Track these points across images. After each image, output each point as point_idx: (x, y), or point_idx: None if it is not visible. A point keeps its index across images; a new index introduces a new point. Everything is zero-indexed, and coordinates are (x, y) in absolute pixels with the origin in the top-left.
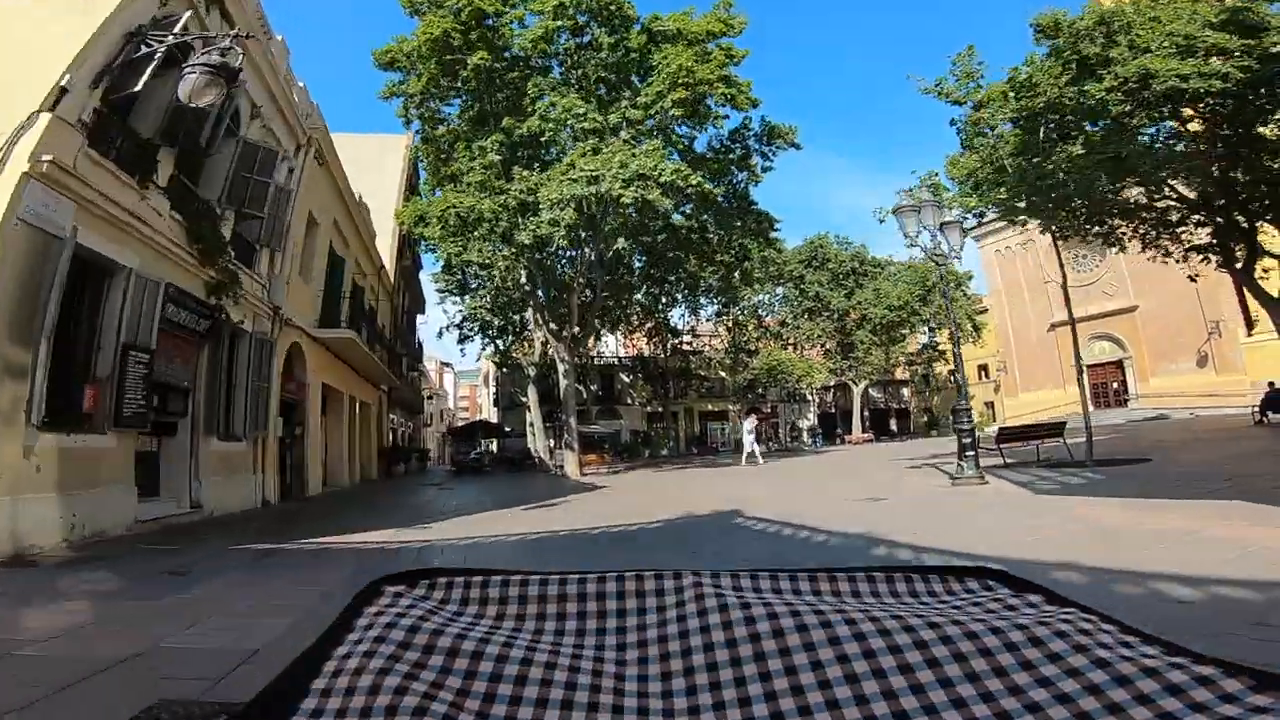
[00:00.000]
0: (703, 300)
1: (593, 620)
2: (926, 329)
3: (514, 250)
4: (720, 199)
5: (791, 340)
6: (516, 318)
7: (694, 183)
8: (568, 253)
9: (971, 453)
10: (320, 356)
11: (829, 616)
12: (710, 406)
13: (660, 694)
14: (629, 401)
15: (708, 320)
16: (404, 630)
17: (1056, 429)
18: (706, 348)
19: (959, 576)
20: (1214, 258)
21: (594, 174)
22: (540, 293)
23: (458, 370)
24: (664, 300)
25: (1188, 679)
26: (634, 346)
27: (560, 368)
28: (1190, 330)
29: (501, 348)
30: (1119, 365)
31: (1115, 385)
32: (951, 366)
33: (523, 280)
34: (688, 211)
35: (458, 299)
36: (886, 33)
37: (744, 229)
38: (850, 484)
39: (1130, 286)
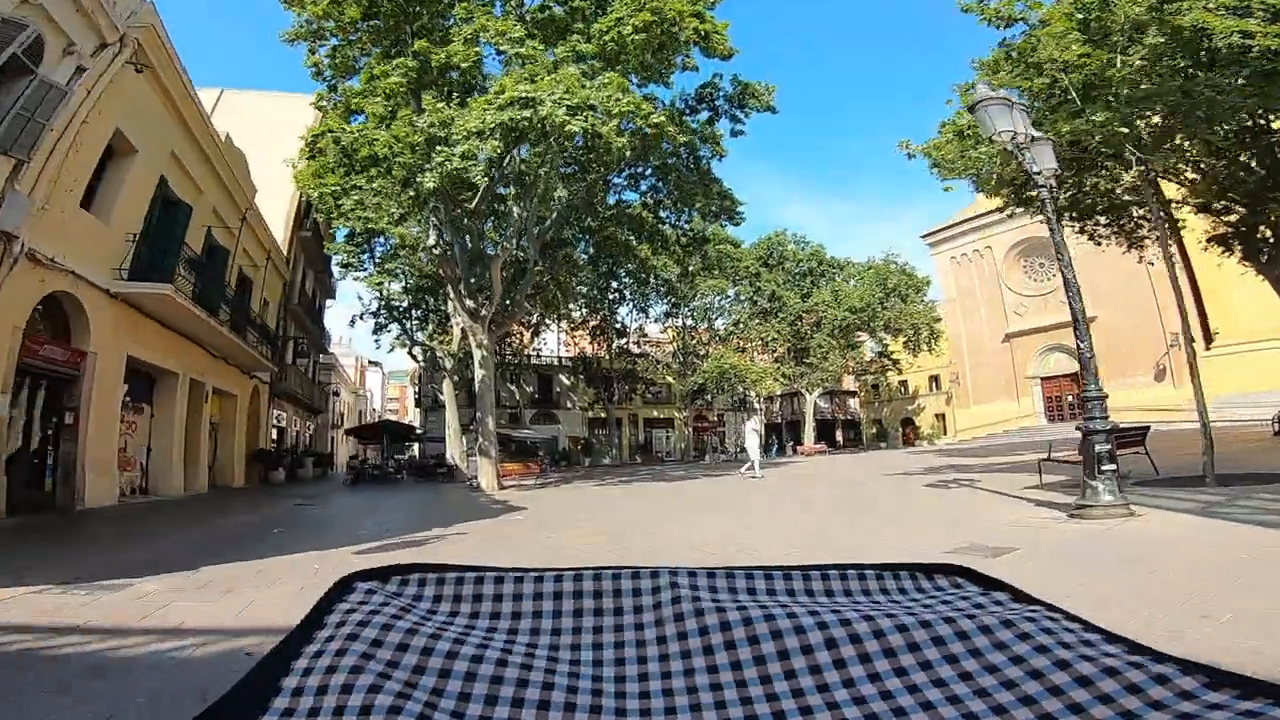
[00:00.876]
0: (652, 299)
1: (569, 619)
2: (876, 339)
3: (415, 196)
4: (683, 154)
5: (743, 344)
6: (431, 299)
7: (656, 122)
8: (489, 213)
9: (1110, 467)
10: (125, 320)
11: (802, 621)
12: (656, 413)
13: (638, 694)
14: (568, 405)
15: (656, 321)
16: (377, 628)
17: (1138, 436)
18: (653, 349)
19: (928, 574)
20: (1237, 248)
21: (528, 97)
22: (456, 258)
23: (389, 371)
24: (611, 295)
25: (1146, 678)
26: (576, 346)
27: (477, 355)
28: (1148, 342)
29: (414, 335)
30: (1074, 378)
31: (1070, 398)
32: (902, 377)
33: (431, 243)
34: (645, 183)
35: (360, 273)
36: (832, 50)
37: (705, 207)
38: (902, 517)
39: (1088, 295)
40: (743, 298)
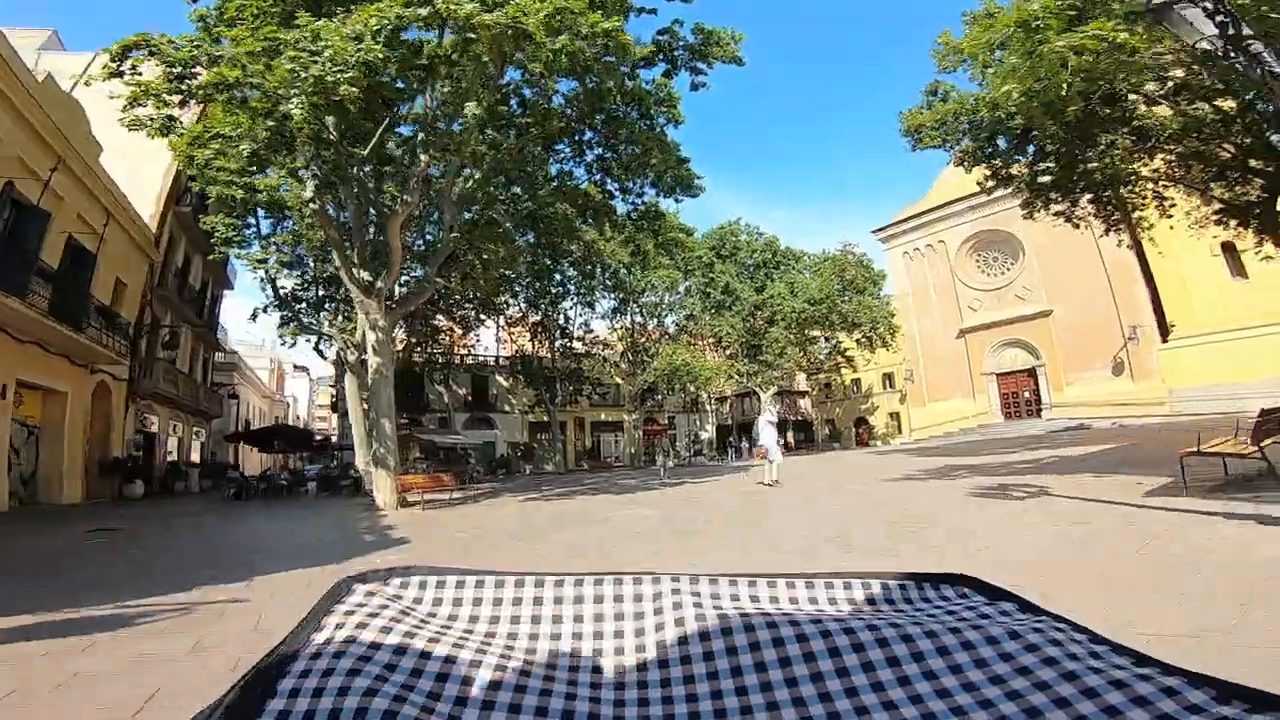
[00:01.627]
0: (599, 293)
1: (570, 624)
2: (833, 334)
3: (279, 131)
4: (635, 115)
5: (694, 342)
6: (321, 276)
7: (606, 29)
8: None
9: None
10: None
11: (804, 628)
12: (603, 416)
13: (637, 700)
14: (507, 409)
15: (603, 318)
16: (375, 631)
17: None
18: (601, 349)
19: (934, 583)
20: (1253, 222)
21: None
22: (350, 218)
23: (318, 377)
24: (554, 289)
25: (1154, 690)
26: (515, 345)
27: (370, 338)
28: (1106, 336)
29: (317, 326)
30: (1031, 373)
31: (1027, 394)
32: (855, 375)
33: (308, 195)
34: (592, 153)
35: (243, 251)
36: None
37: (660, 172)
38: (1051, 564)
39: (1044, 290)
40: (694, 291)
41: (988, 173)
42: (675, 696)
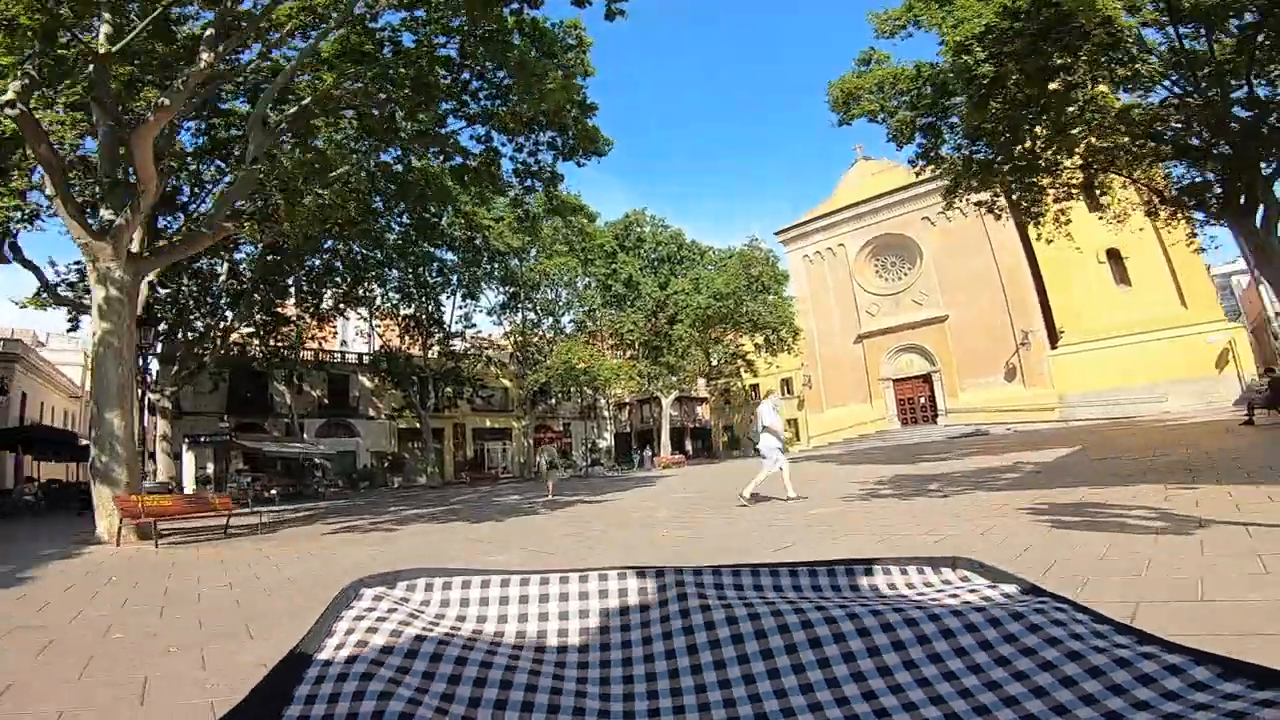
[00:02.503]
0: (485, 284)
1: (576, 620)
2: (739, 334)
3: None
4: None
5: (592, 341)
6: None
7: None
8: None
9: None
10: None
11: (809, 616)
12: (489, 422)
13: (645, 694)
14: (372, 414)
15: (490, 314)
16: (386, 635)
17: None
18: (487, 346)
19: (935, 567)
20: (1210, 204)
21: None
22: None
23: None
24: (433, 278)
25: (1158, 668)
26: (385, 340)
27: (97, 295)
28: (1000, 342)
29: (63, 293)
30: (927, 379)
31: (923, 400)
32: (755, 380)
33: (7, 96)
34: (476, 105)
35: None
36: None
37: (558, 116)
38: None
39: (941, 295)
40: (594, 284)
41: (918, 151)
42: (684, 687)
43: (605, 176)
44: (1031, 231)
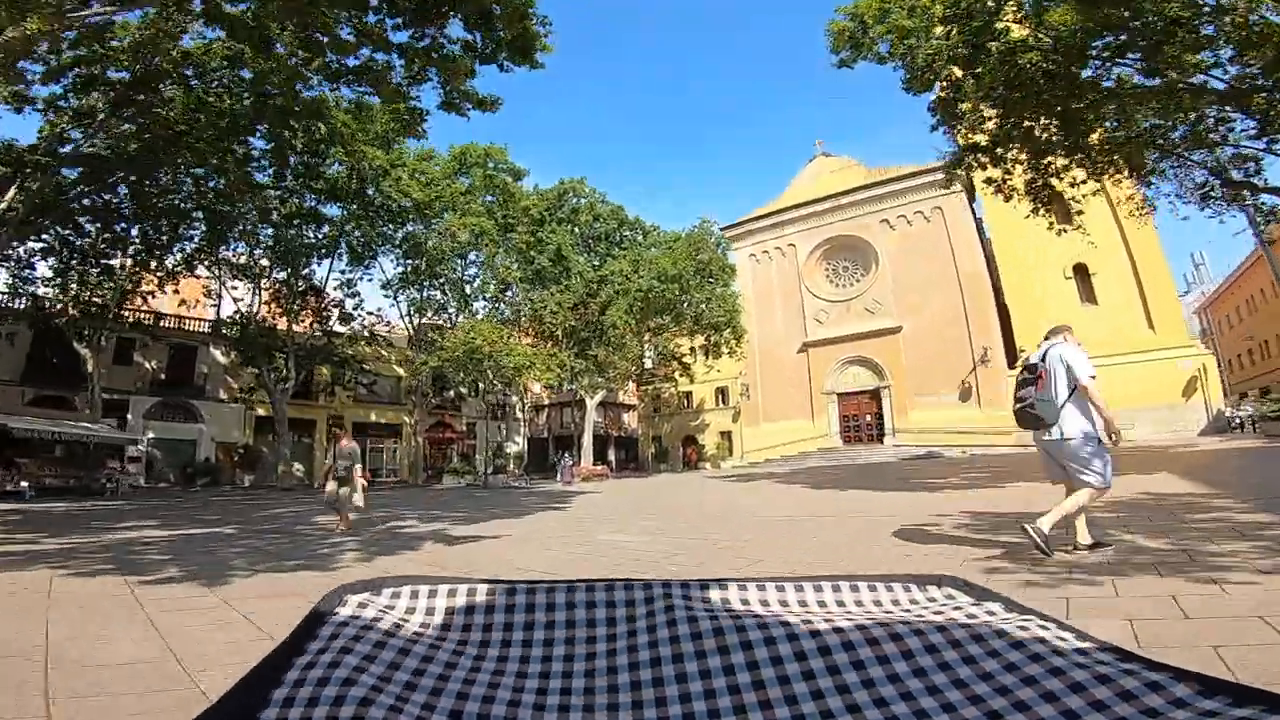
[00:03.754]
0: (378, 253)
1: (562, 630)
2: (682, 326)
3: None
4: None
5: (508, 325)
6: None
7: None
8: None
9: None
10: None
11: (795, 628)
12: (374, 416)
13: (630, 704)
14: (222, 397)
15: (385, 288)
16: (370, 643)
17: None
18: (376, 324)
19: (921, 585)
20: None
21: None
22: None
23: None
24: (309, 236)
25: (1139, 685)
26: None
27: None
28: (956, 358)
29: None
30: (875, 395)
31: (869, 417)
32: (688, 388)
33: None
34: None
35: None
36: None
37: None
38: None
39: (895, 305)
40: (513, 252)
41: (936, 102)
42: (669, 696)
43: (546, 161)
44: (1042, 220)
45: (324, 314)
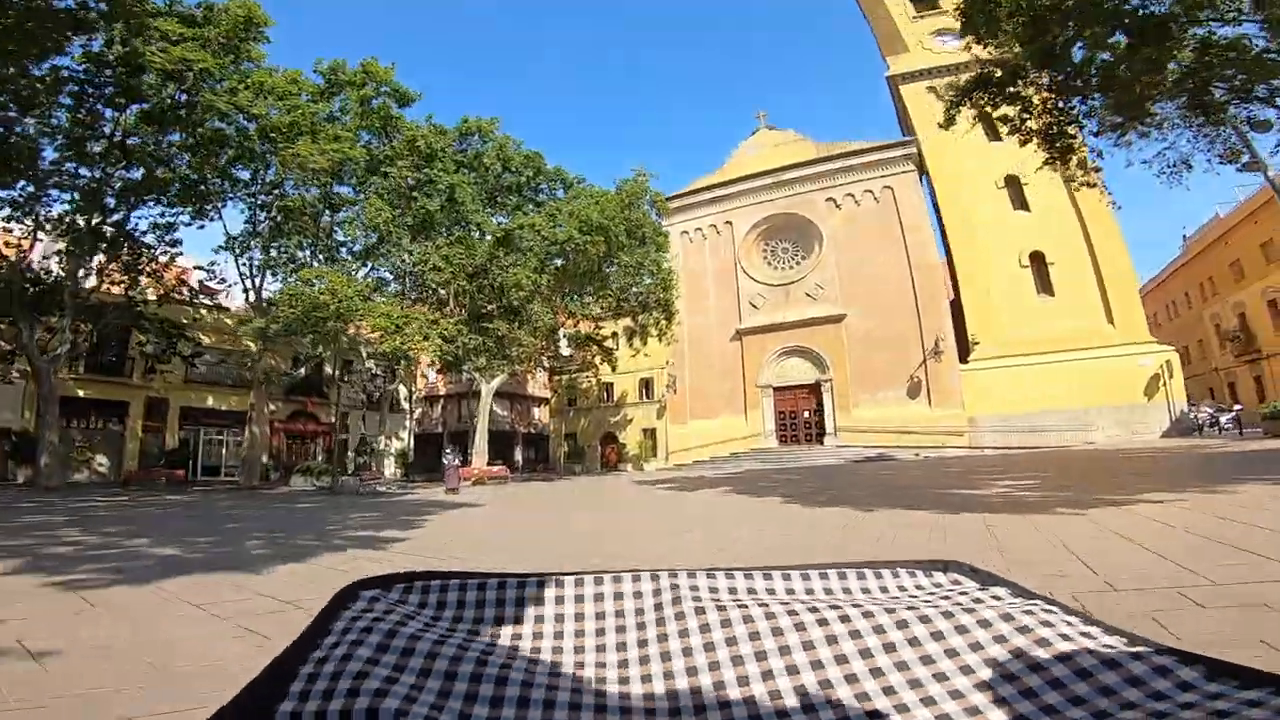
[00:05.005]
0: (211, 194)
1: (572, 622)
2: (606, 296)
3: None
4: None
5: (380, 288)
6: None
7: None
8: None
9: None
10: None
11: (803, 617)
12: (211, 401)
13: (642, 695)
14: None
15: (226, 245)
16: (382, 634)
17: None
18: (211, 281)
19: (926, 570)
20: None
21: None
22: None
23: None
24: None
25: (1147, 669)
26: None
27: None
28: (905, 350)
29: None
30: (815, 390)
31: (807, 414)
32: (609, 378)
33: None
34: None
35: None
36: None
37: None
38: None
39: (839, 291)
40: (387, 193)
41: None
42: (680, 689)
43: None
44: (996, 202)
45: (137, 268)
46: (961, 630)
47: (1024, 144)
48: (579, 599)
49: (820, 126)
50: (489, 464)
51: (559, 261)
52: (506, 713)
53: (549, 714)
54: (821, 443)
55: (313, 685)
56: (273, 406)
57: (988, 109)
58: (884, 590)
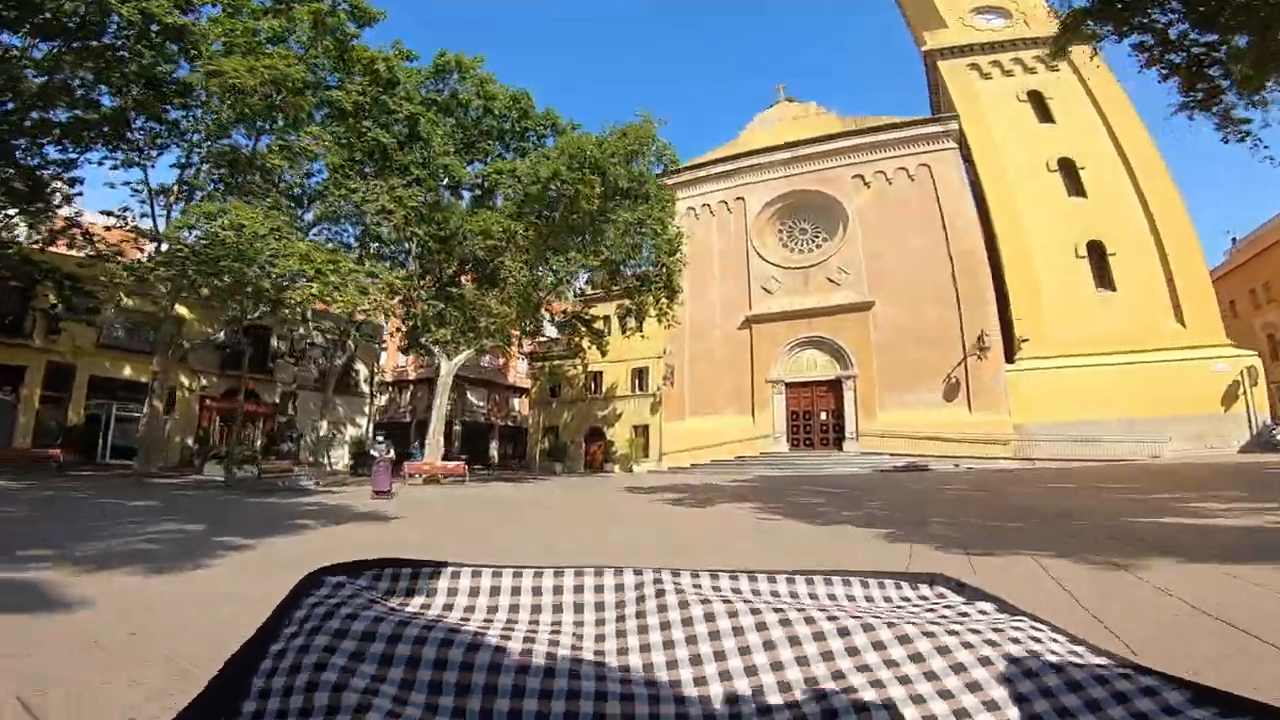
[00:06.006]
0: (171, 143)
1: (549, 613)
2: (601, 252)
3: None
4: None
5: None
6: None
7: None
8: None
9: None
10: None
11: (788, 615)
12: (129, 371)
13: (619, 679)
14: None
15: (135, 189)
16: (341, 619)
17: None
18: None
19: (913, 583)
20: None
21: None
22: None
23: None
24: None
25: (1133, 688)
26: None
27: None
28: (941, 346)
29: None
30: (835, 387)
31: (825, 415)
32: (597, 365)
33: None
34: None
35: None
36: None
37: None
38: None
39: (866, 276)
40: (338, 124)
41: None
42: (659, 679)
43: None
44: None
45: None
46: (953, 633)
47: (1165, 79)
48: (558, 589)
49: (841, 104)
50: (442, 460)
51: (546, 214)
52: (473, 702)
53: (517, 701)
54: (840, 448)
55: (272, 681)
56: (205, 381)
57: (1113, 35)
58: (869, 600)
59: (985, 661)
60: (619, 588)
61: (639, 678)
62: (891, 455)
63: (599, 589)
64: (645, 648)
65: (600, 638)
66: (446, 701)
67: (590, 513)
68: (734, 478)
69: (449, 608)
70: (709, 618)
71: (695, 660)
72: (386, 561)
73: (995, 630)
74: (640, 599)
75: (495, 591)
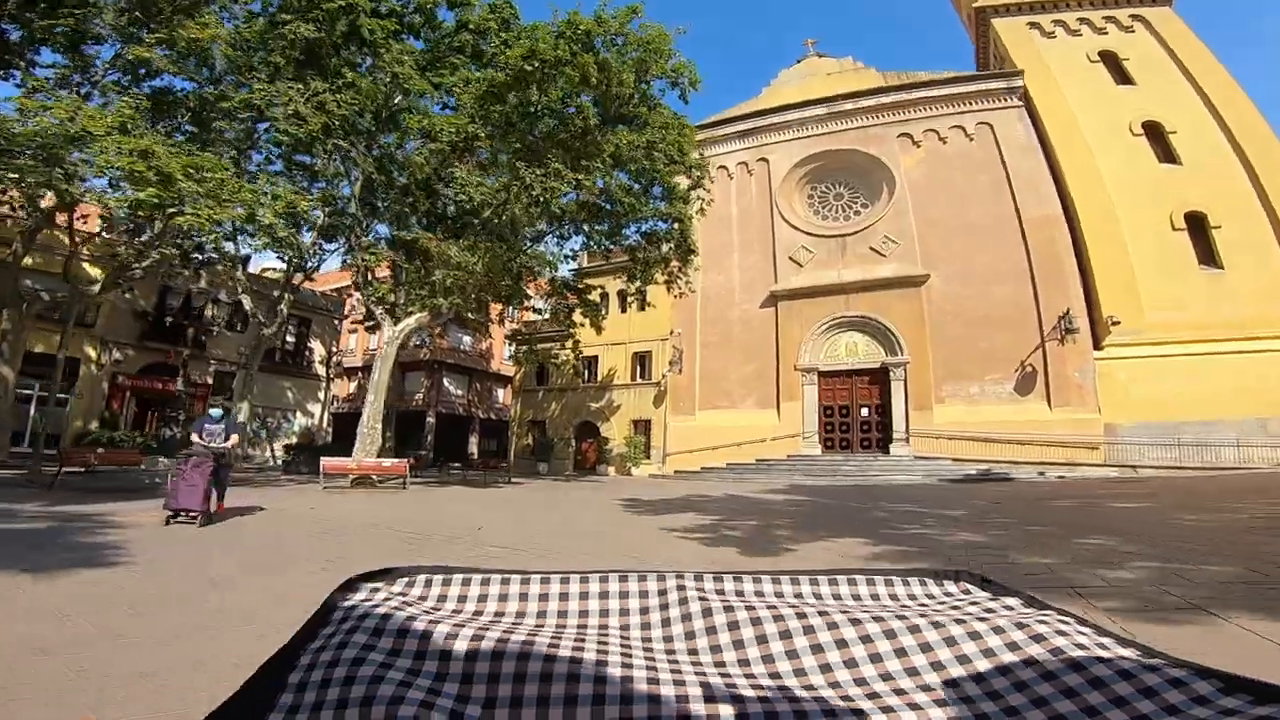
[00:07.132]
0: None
1: (574, 618)
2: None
3: None
4: None
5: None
6: None
7: None
8: None
9: None
10: None
11: (811, 621)
12: (38, 344)
13: (645, 680)
14: None
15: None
16: (377, 619)
17: None
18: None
19: (937, 580)
20: None
21: None
22: None
23: None
24: None
25: (1161, 681)
26: None
27: None
28: (1012, 330)
29: None
30: (880, 377)
31: (868, 411)
32: (592, 349)
33: None
34: None
35: None
36: None
37: None
38: None
39: (918, 246)
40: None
41: None
42: (689, 681)
43: None
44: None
45: None
46: (974, 636)
47: None
48: (584, 596)
49: (879, 61)
50: (379, 457)
51: (518, 123)
52: (503, 690)
53: (545, 688)
54: (885, 450)
55: (310, 675)
56: (119, 355)
57: None
58: (894, 598)
59: (1004, 670)
60: (644, 594)
61: (668, 679)
62: (954, 461)
63: (624, 595)
64: (671, 654)
65: (626, 636)
66: (479, 691)
67: (562, 556)
68: (764, 488)
69: (479, 613)
70: (733, 626)
71: (720, 666)
72: (420, 569)
73: (1019, 627)
74: (664, 605)
75: (524, 598)
